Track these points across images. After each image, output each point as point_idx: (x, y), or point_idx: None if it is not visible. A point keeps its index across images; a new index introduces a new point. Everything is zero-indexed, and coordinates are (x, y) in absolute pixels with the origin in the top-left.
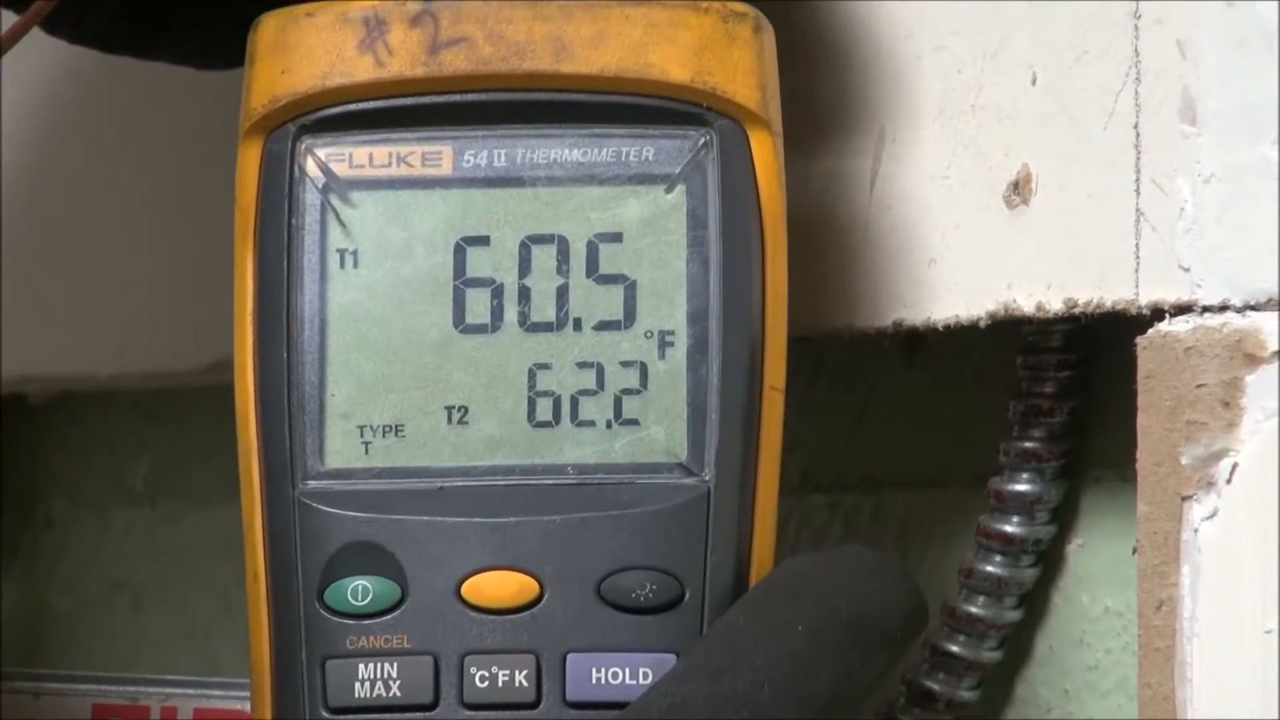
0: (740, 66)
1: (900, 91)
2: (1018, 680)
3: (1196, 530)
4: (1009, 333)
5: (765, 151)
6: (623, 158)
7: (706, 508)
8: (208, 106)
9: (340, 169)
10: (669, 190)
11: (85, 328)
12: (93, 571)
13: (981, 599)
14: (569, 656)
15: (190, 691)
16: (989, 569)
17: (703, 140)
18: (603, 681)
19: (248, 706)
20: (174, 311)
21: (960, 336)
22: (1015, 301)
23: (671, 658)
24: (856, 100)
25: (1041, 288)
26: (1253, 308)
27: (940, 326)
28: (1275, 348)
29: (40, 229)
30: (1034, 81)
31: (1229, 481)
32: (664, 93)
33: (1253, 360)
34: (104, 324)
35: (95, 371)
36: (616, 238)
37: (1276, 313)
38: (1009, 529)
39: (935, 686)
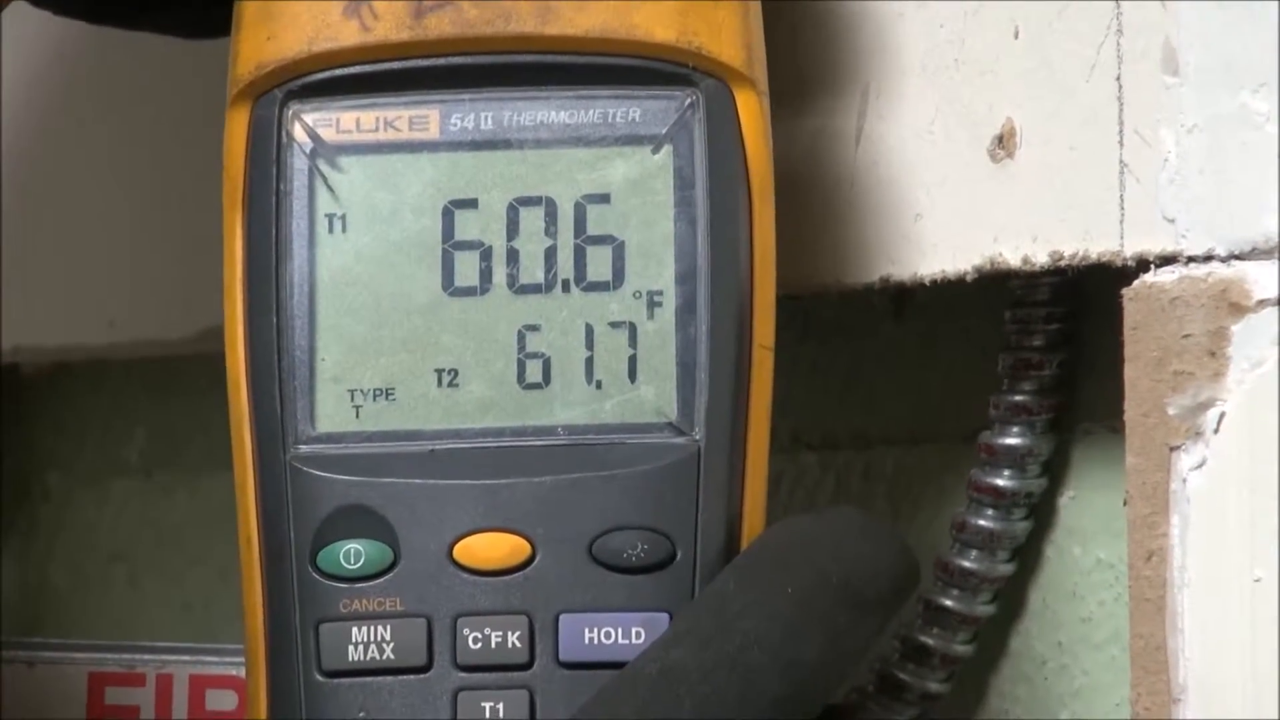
0: (725, 26)
1: (883, 48)
2: (1011, 633)
3: (1185, 480)
4: (996, 287)
5: (751, 111)
6: (609, 119)
7: (697, 467)
8: (194, 77)
9: (328, 134)
10: (655, 151)
11: (76, 299)
12: (90, 544)
13: (974, 553)
14: (561, 617)
15: (186, 659)
16: (981, 523)
17: (689, 100)
18: (595, 641)
19: (243, 672)
20: (163, 281)
21: (948, 291)
22: (1001, 255)
23: (664, 617)
24: (840, 57)
25: (1027, 241)
26: (1237, 257)
27: (927, 281)
28: (1260, 297)
29: (29, 202)
30: (1016, 35)
31: (1216, 431)
32: (649, 53)
33: (1238, 309)
34: (94, 295)
35: (87, 343)
36: (604, 199)
37: (1261, 262)
38: (1000, 483)
39: (930, 641)
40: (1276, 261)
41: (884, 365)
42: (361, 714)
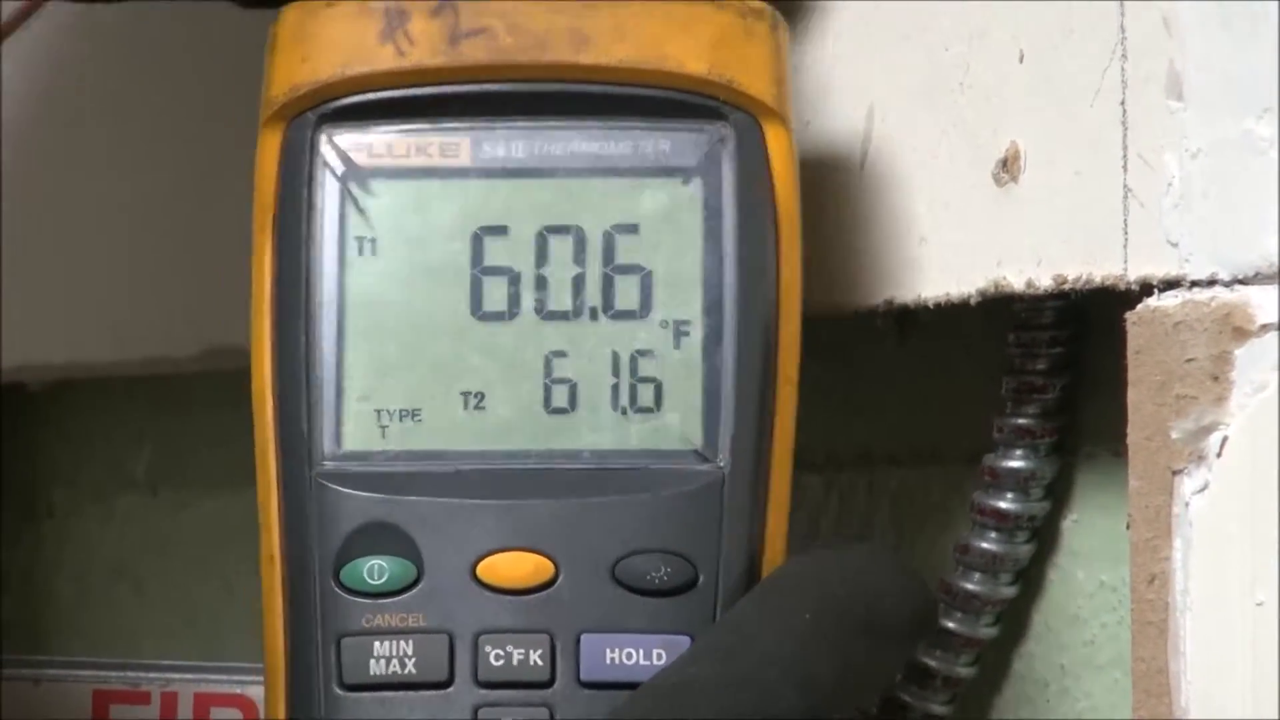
0: (756, 61)
1: (889, 70)
2: (1014, 656)
3: (1187, 504)
4: (1000, 310)
5: (780, 145)
6: (640, 150)
7: (721, 493)
8: (205, 94)
9: (360, 158)
10: (686, 182)
11: (81, 315)
12: (95, 560)
13: (977, 575)
14: (583, 637)
15: (190, 677)
16: (984, 545)
17: (719, 134)
18: (617, 662)
19: (248, 690)
20: (168, 298)
21: (952, 314)
22: (1005, 279)
23: (685, 640)
24: (846, 79)
25: (1031, 264)
26: (1241, 281)
27: (931, 304)
28: (1263, 321)
29: (36, 218)
30: (1021, 59)
31: (1219, 455)
32: (681, 85)
33: (1241, 334)
34: (99, 311)
35: (92, 359)
36: (633, 229)
37: (1264, 286)
38: (1003, 505)
39: (932, 663)
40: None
41: (888, 387)
42: None
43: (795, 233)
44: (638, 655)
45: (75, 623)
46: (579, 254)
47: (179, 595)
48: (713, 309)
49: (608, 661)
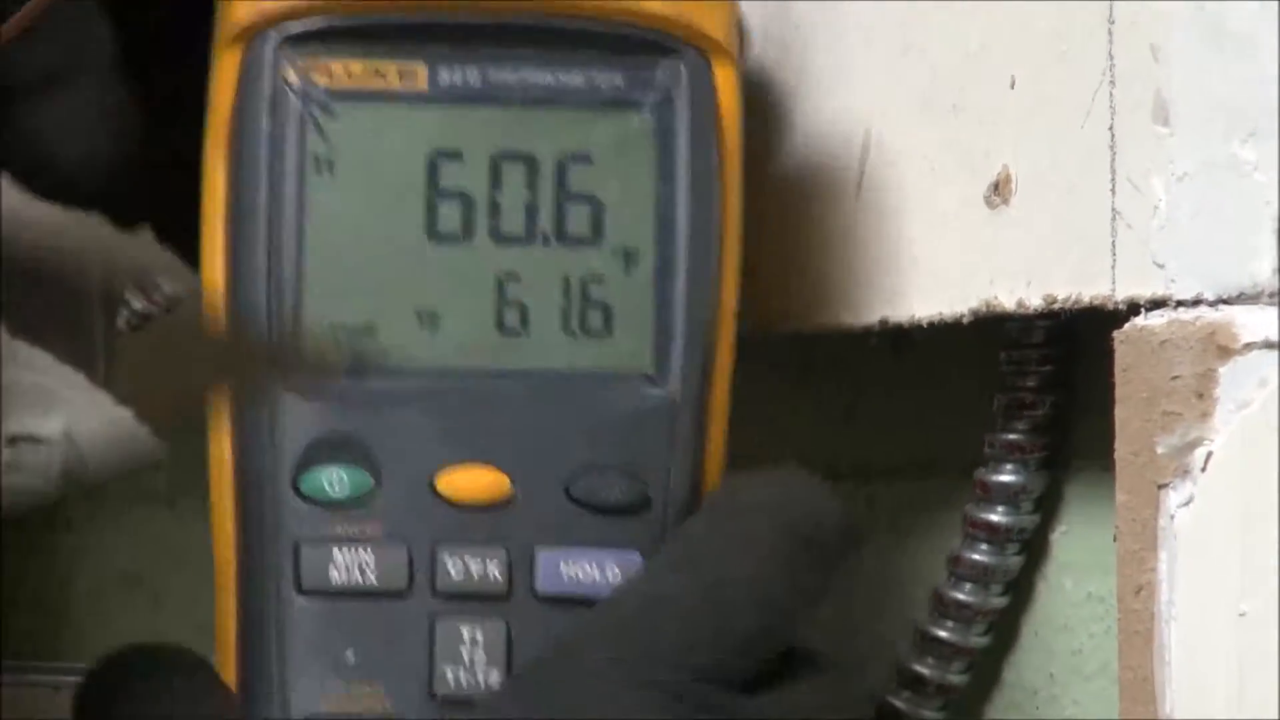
0: (710, 1)
1: (884, 94)
2: (1005, 665)
3: (1173, 517)
4: (992, 328)
5: (728, 83)
6: (594, 82)
7: (671, 417)
8: None
9: (320, 80)
10: (638, 115)
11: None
12: (113, 571)
13: (969, 586)
14: (539, 551)
15: None
16: (976, 557)
17: (672, 69)
18: (572, 577)
19: None
20: None
21: (945, 332)
22: (997, 298)
23: (637, 556)
24: (843, 102)
25: (1022, 285)
26: (1225, 301)
27: (925, 323)
28: (1247, 340)
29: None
30: (1012, 85)
31: (1204, 470)
32: (639, 20)
33: (1225, 352)
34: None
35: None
36: (586, 158)
37: (1248, 306)
38: (994, 518)
39: (925, 671)
40: (1264, 306)
41: (883, 403)
42: (349, 651)
43: (737, 170)
44: (593, 571)
45: (93, 632)
46: (531, 180)
47: (195, 605)
48: (663, 238)
49: (564, 576)
